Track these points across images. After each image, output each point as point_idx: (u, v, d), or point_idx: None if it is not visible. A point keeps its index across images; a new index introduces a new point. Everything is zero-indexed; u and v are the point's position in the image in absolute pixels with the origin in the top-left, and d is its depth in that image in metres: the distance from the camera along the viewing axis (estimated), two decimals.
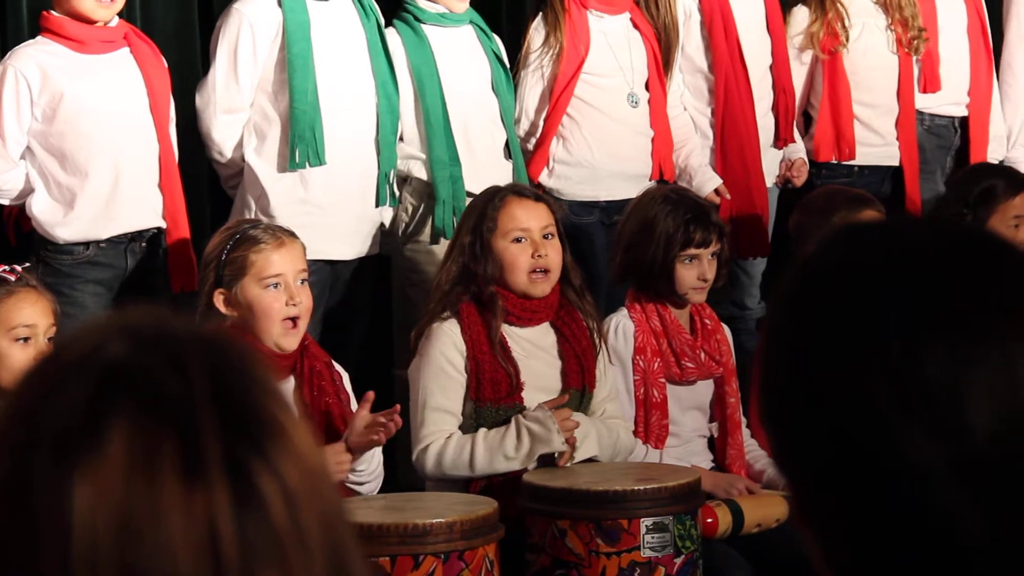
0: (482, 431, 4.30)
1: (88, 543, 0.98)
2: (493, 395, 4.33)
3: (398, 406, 4.05)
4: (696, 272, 4.63)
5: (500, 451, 4.28)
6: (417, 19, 5.22)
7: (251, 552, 0.99)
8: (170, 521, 0.98)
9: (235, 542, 0.99)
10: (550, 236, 4.45)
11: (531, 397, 4.37)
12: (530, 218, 4.43)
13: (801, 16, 5.95)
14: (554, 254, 4.43)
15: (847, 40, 5.93)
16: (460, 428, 4.34)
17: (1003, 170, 5.90)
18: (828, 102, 5.94)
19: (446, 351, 4.33)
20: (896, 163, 6.06)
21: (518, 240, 4.41)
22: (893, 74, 6.04)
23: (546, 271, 4.42)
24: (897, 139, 6.06)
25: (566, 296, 4.51)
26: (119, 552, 0.97)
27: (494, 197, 4.49)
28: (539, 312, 4.45)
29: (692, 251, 4.61)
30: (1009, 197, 5.52)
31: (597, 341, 4.51)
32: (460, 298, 4.38)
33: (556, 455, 4.28)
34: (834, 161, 5.97)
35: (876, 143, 6.01)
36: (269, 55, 4.92)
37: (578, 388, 4.44)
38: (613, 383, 4.58)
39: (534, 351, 4.43)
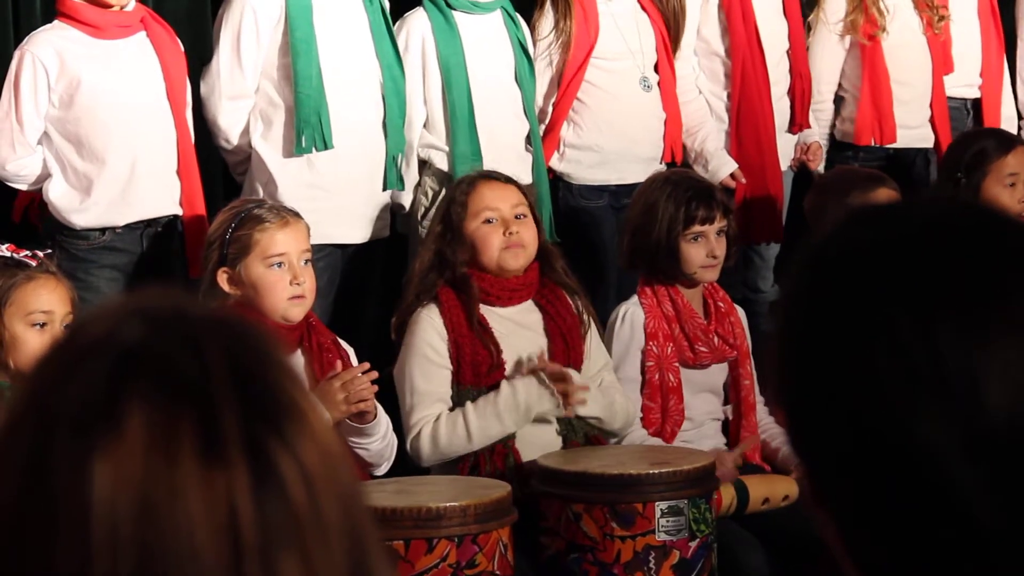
0: (470, 403, 4.30)
1: (108, 523, 0.98)
2: (474, 378, 4.33)
3: (366, 364, 4.10)
4: (704, 250, 4.63)
5: (494, 415, 4.28)
6: (448, 5, 5.20)
7: (270, 532, 1.00)
8: (189, 501, 0.99)
9: (254, 522, 0.99)
10: (522, 216, 4.45)
11: (514, 375, 4.37)
12: (499, 199, 4.44)
13: (838, 4, 5.96)
14: (527, 232, 4.43)
15: (885, 25, 5.93)
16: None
17: (992, 131, 5.89)
18: (868, 86, 5.94)
19: (428, 338, 4.34)
20: (929, 144, 6.07)
21: (488, 221, 4.42)
22: (925, 54, 6.04)
23: (521, 246, 4.42)
24: (931, 120, 6.07)
25: (548, 276, 4.50)
26: (139, 532, 0.98)
27: (463, 183, 4.53)
28: (518, 291, 4.45)
29: (697, 228, 4.61)
30: (1001, 156, 5.51)
31: (585, 319, 4.51)
32: (435, 283, 4.39)
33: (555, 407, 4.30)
34: (873, 144, 5.98)
35: (912, 124, 6.02)
36: (272, 40, 4.91)
37: (564, 365, 4.43)
38: (607, 358, 4.58)
39: (516, 329, 4.43)
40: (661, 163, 5.54)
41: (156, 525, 0.98)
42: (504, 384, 4.32)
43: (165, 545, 0.98)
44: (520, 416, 4.30)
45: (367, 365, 4.10)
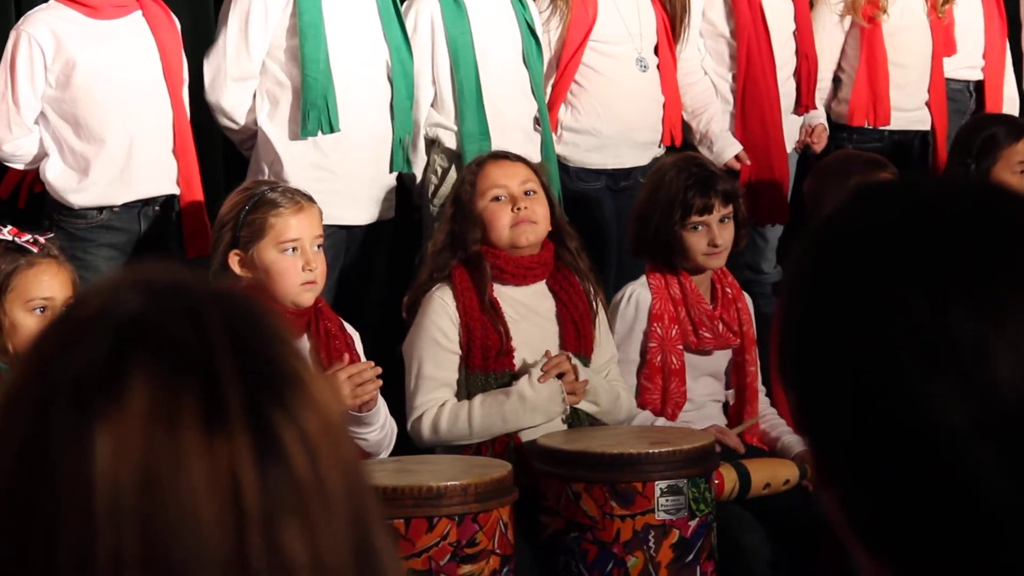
0: (479, 397, 4.30)
1: (110, 494, 0.98)
2: (482, 362, 4.33)
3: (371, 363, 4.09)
4: (705, 238, 4.60)
5: (499, 415, 4.29)
6: None
7: (273, 501, 0.99)
8: (192, 470, 0.98)
9: (257, 491, 0.99)
10: (532, 193, 4.44)
11: (524, 361, 4.36)
12: (507, 176, 4.44)
13: None
14: (537, 208, 4.43)
15: (887, 7, 5.92)
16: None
17: (1003, 118, 5.89)
18: (865, 67, 5.93)
19: (439, 321, 4.33)
20: (926, 127, 6.07)
21: (497, 199, 4.42)
22: (927, 37, 6.03)
23: (531, 222, 4.41)
24: (928, 104, 6.06)
25: (561, 258, 4.50)
26: (142, 503, 0.98)
27: (472, 163, 4.55)
28: (533, 269, 4.45)
29: (695, 218, 4.59)
30: (1011, 143, 5.50)
31: (595, 305, 4.50)
32: (449, 263, 4.39)
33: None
34: (867, 126, 5.97)
35: (908, 107, 6.02)
36: (280, 22, 4.90)
37: (575, 353, 4.42)
38: (615, 350, 4.58)
39: (528, 314, 4.43)
40: (660, 147, 5.53)
41: (159, 496, 0.98)
42: (515, 389, 4.31)
43: (168, 516, 0.98)
44: (525, 421, 4.30)
45: (372, 363, 4.09)
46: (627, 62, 5.48)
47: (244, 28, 4.88)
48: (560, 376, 4.31)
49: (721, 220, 4.62)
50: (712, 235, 4.60)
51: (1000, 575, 1.12)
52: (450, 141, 5.15)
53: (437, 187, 5.17)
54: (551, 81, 5.46)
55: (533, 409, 4.29)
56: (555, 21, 5.43)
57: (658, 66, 5.54)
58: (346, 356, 4.09)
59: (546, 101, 5.44)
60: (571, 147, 5.47)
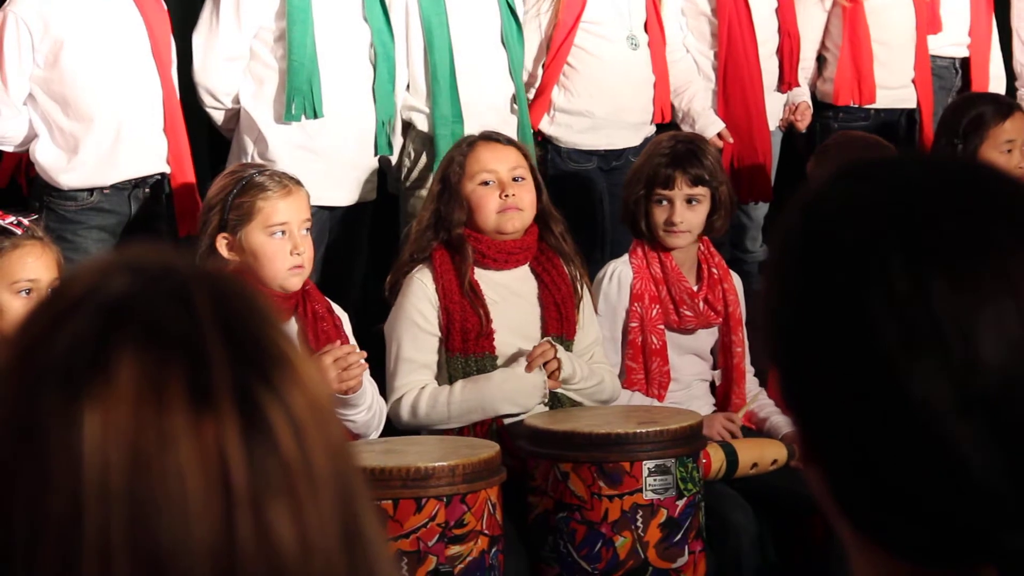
0: (460, 382, 4.30)
1: (99, 473, 0.98)
2: (462, 345, 4.32)
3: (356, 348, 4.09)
4: (666, 214, 4.60)
5: (478, 403, 4.28)
6: None
7: (260, 480, 1.00)
8: (180, 449, 0.98)
9: (244, 470, 0.99)
10: (520, 179, 4.43)
11: (505, 343, 4.36)
12: (497, 160, 4.42)
13: None
14: (525, 194, 4.41)
15: None
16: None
17: (990, 97, 5.90)
18: (849, 46, 5.94)
19: (419, 304, 4.33)
20: (912, 105, 6.07)
21: (485, 183, 4.40)
22: (910, 15, 6.04)
23: (517, 209, 4.41)
24: (913, 81, 6.06)
25: (546, 241, 4.49)
26: (130, 481, 0.98)
27: (462, 143, 4.51)
28: (516, 254, 4.43)
29: (660, 191, 4.59)
30: (998, 122, 5.50)
31: (579, 288, 4.50)
32: (431, 244, 4.38)
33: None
34: (852, 104, 5.97)
35: (893, 85, 6.02)
36: (270, 2, 4.90)
37: (557, 335, 4.42)
38: (599, 331, 4.57)
39: (509, 296, 4.42)
40: (651, 125, 5.54)
41: (147, 474, 0.98)
42: (497, 378, 4.31)
43: (156, 494, 0.98)
44: (503, 409, 4.30)
45: (357, 347, 4.09)
46: (618, 41, 5.48)
47: (238, 7, 4.87)
48: (544, 364, 4.31)
49: (689, 201, 4.60)
50: (671, 212, 4.59)
51: (989, 550, 1.12)
52: (423, 124, 5.14)
53: (410, 170, 5.17)
54: (542, 63, 5.45)
55: (513, 400, 4.29)
56: (546, 3, 5.42)
57: (648, 43, 5.54)
58: (338, 342, 4.09)
59: (539, 82, 5.44)
60: (564, 128, 5.47)
